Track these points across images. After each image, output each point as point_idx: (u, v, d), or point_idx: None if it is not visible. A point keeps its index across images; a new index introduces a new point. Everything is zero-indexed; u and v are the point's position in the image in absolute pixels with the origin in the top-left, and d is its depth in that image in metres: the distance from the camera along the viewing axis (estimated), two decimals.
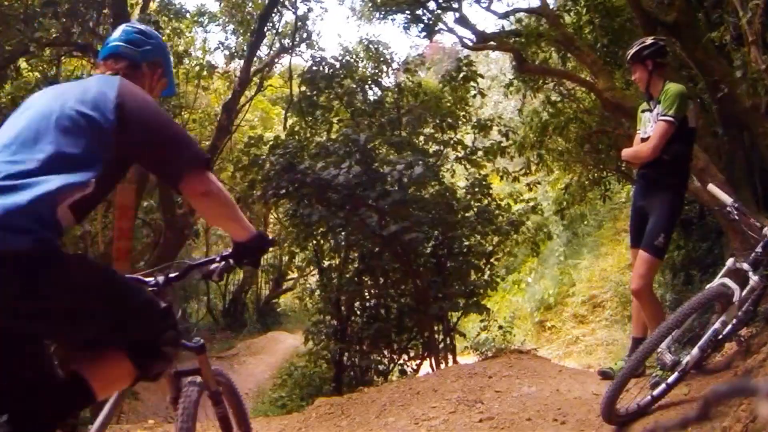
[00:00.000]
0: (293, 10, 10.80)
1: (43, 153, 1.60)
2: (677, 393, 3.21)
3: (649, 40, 4.02)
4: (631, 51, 4.04)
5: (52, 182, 1.54)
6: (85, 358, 1.72)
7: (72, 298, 1.62)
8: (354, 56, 9.31)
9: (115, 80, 1.84)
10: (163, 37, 9.00)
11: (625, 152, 4.14)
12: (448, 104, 8.37)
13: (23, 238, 1.48)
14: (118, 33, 2.07)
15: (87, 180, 1.61)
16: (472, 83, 8.35)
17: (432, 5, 9.31)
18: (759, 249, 3.18)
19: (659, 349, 3.10)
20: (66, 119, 1.67)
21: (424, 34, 9.58)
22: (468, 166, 7.96)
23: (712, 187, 3.68)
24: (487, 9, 9.33)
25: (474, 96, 8.68)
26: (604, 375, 4.17)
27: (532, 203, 8.32)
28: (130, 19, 8.15)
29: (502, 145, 8.11)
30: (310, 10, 10.97)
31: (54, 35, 7.52)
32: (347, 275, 7.66)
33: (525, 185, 9.82)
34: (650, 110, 3.92)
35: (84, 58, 9.11)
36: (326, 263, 8.23)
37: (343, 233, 6.92)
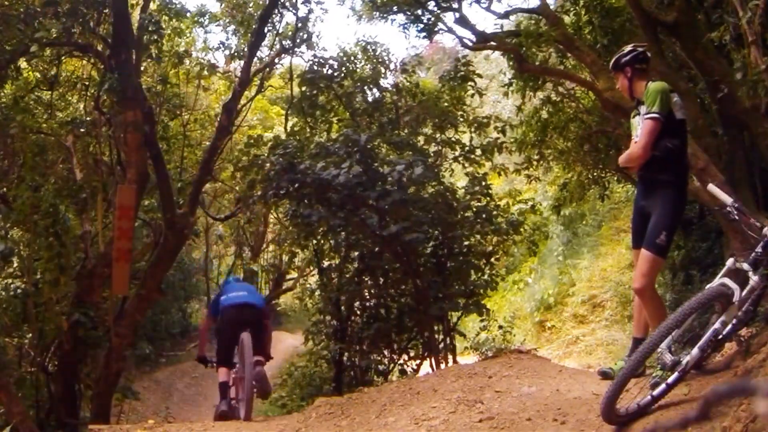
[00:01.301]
0: (294, 12, 10.80)
1: (255, 294, 6.56)
2: (677, 393, 3.21)
3: (627, 48, 4.09)
4: (612, 61, 4.14)
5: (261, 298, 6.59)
6: (260, 350, 5.64)
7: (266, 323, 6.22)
8: (352, 57, 9.31)
9: (253, 287, 7.37)
10: (164, 37, 9.01)
11: (620, 159, 4.15)
12: (446, 104, 8.38)
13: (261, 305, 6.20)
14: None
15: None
16: (470, 83, 8.37)
17: (432, 5, 9.31)
18: (759, 249, 3.19)
19: (659, 349, 3.10)
20: (255, 292, 6.78)
21: (423, 34, 9.59)
22: (466, 165, 7.96)
23: (712, 187, 3.68)
24: (487, 9, 9.32)
25: (472, 96, 8.70)
26: (604, 375, 4.18)
27: (530, 203, 8.32)
28: (130, 19, 8.14)
29: (500, 141, 8.11)
30: (310, 11, 10.94)
31: (54, 35, 7.52)
32: (347, 275, 7.66)
33: (525, 176, 9.84)
34: (639, 113, 3.95)
35: (84, 58, 9.10)
36: (326, 263, 8.24)
37: (343, 233, 6.92)
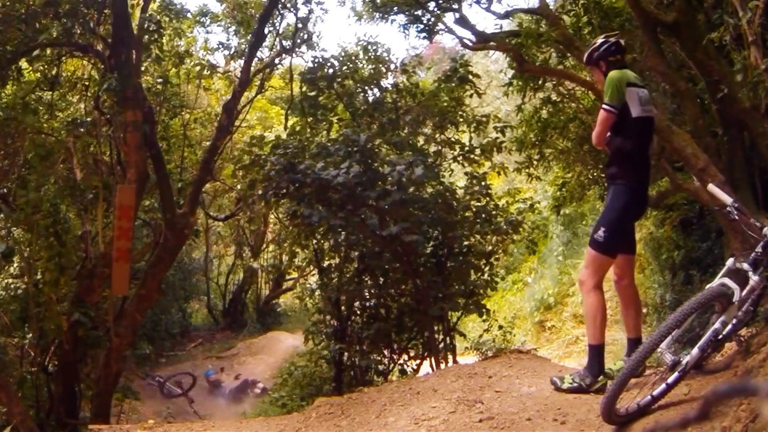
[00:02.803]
0: (294, 12, 10.80)
1: None
2: (677, 393, 3.21)
3: (599, 41, 4.03)
4: (585, 55, 4.09)
5: None
6: None
7: None
8: (353, 57, 9.32)
9: None
10: (164, 38, 9.00)
11: None
12: (444, 104, 8.39)
13: None
14: None
15: None
16: (468, 84, 8.38)
17: (432, 6, 9.31)
18: (759, 249, 3.19)
19: (659, 349, 3.11)
20: None
21: (423, 34, 9.59)
22: (466, 165, 7.97)
23: (712, 187, 3.68)
24: (487, 9, 9.31)
25: (471, 96, 8.71)
26: (604, 375, 4.18)
27: (529, 202, 8.32)
28: (130, 19, 8.13)
29: (499, 141, 8.12)
30: (311, 11, 10.95)
31: (55, 35, 7.52)
32: (347, 275, 7.66)
33: (525, 176, 9.85)
34: None
35: (84, 58, 9.10)
36: (326, 263, 8.24)
37: (343, 233, 6.92)
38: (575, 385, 3.87)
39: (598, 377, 3.84)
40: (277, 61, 11.85)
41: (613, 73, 3.77)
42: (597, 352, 3.86)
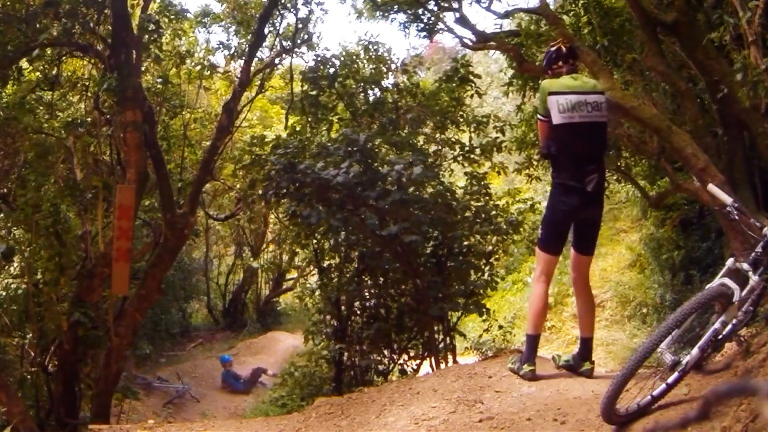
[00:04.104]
0: (294, 12, 10.79)
1: None
2: (677, 393, 3.21)
3: (546, 50, 4.32)
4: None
5: None
6: None
7: None
8: (354, 57, 9.33)
9: None
10: (164, 38, 9.00)
11: None
12: (445, 104, 8.39)
13: None
14: None
15: None
16: (469, 83, 8.39)
17: (432, 5, 9.31)
18: (759, 249, 3.19)
19: (659, 349, 3.11)
20: None
21: (423, 34, 9.60)
22: (466, 165, 7.97)
23: (712, 187, 3.68)
24: (487, 9, 9.31)
25: (471, 96, 8.72)
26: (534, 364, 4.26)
27: (530, 202, 8.32)
28: (130, 19, 8.14)
29: (498, 140, 8.14)
30: (311, 12, 10.94)
31: (55, 35, 7.52)
32: (347, 275, 7.66)
33: (525, 176, 9.85)
34: None
35: (84, 58, 9.10)
36: (326, 263, 8.24)
37: (343, 233, 6.92)
38: (514, 366, 4.22)
39: (524, 364, 4.12)
40: (277, 61, 11.85)
41: (541, 84, 4.09)
42: (530, 341, 4.16)
